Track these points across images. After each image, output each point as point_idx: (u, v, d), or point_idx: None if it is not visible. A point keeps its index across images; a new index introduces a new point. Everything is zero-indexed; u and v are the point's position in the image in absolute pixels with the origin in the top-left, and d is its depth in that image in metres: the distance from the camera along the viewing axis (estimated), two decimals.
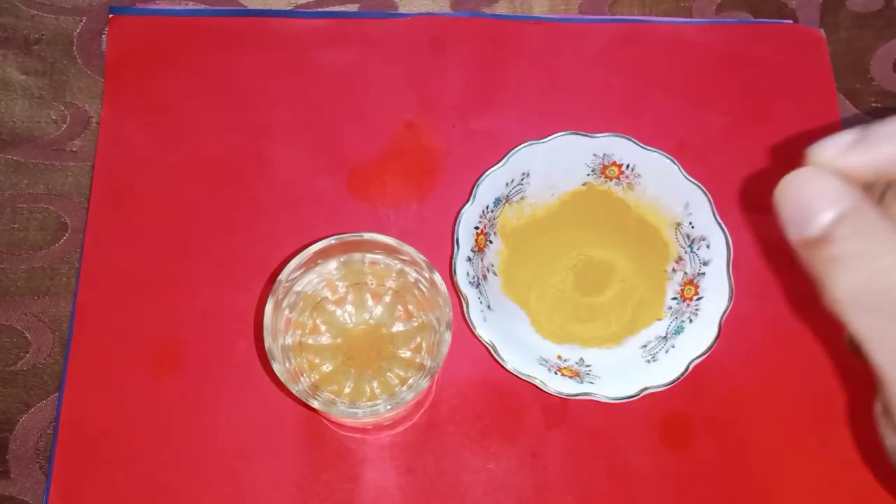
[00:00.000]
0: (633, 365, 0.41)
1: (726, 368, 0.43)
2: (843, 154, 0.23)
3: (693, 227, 0.43)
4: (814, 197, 0.23)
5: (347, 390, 0.37)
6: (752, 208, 0.46)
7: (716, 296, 0.42)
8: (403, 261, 0.37)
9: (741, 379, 0.43)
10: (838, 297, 0.22)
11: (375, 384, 0.37)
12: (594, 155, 0.44)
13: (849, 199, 0.22)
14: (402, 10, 0.50)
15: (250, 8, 0.50)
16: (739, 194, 0.46)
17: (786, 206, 0.23)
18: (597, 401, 0.40)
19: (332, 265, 0.38)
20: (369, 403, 0.36)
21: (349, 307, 0.39)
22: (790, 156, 0.48)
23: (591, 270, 0.45)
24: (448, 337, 0.35)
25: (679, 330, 0.42)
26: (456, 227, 0.42)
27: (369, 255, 0.38)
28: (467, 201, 0.42)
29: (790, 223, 0.23)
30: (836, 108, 0.49)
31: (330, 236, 0.36)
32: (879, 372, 0.22)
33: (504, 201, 0.44)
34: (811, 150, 0.24)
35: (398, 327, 0.38)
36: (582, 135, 0.44)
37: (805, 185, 0.23)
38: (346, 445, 0.41)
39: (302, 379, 0.36)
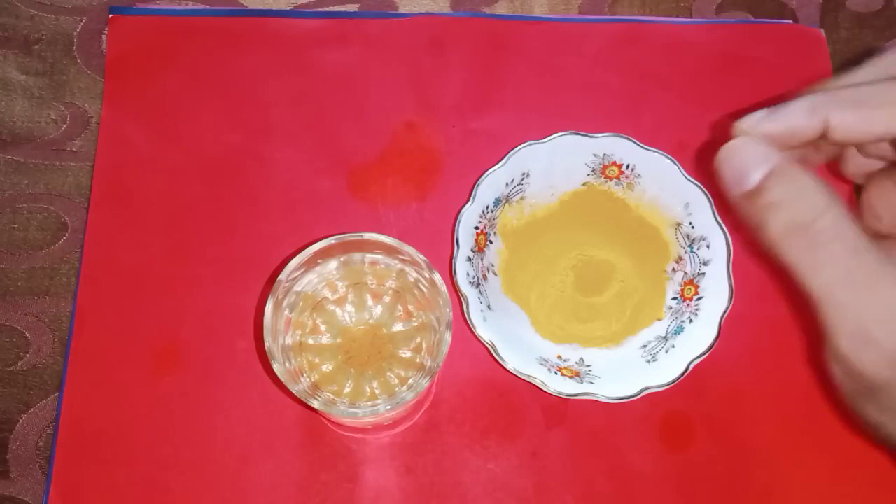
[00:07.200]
0: (633, 365, 0.41)
1: (726, 368, 0.43)
2: (758, 124, 0.29)
3: (693, 227, 0.43)
4: (747, 159, 0.28)
5: (347, 390, 0.37)
6: None
7: (716, 296, 0.42)
8: (403, 261, 0.37)
9: (741, 379, 0.43)
10: (773, 235, 0.27)
11: (375, 384, 0.37)
12: (594, 155, 0.44)
13: (775, 158, 0.27)
14: (402, 10, 0.50)
15: (250, 8, 0.50)
16: None
17: (727, 171, 0.28)
18: (597, 401, 0.40)
19: (332, 265, 0.38)
20: (369, 403, 0.36)
21: (349, 307, 0.39)
22: None
23: (591, 270, 0.45)
24: (448, 337, 0.35)
25: (679, 330, 0.42)
26: (456, 227, 0.42)
27: (369, 255, 0.38)
28: (467, 201, 0.42)
29: (731, 184, 0.28)
30: None
31: (330, 236, 0.36)
32: (814, 294, 0.26)
33: (504, 201, 0.44)
34: (736, 124, 0.29)
35: (398, 327, 0.38)
36: (582, 135, 0.44)
37: (740, 151, 0.28)
38: (346, 445, 0.41)
39: (302, 379, 0.36)
